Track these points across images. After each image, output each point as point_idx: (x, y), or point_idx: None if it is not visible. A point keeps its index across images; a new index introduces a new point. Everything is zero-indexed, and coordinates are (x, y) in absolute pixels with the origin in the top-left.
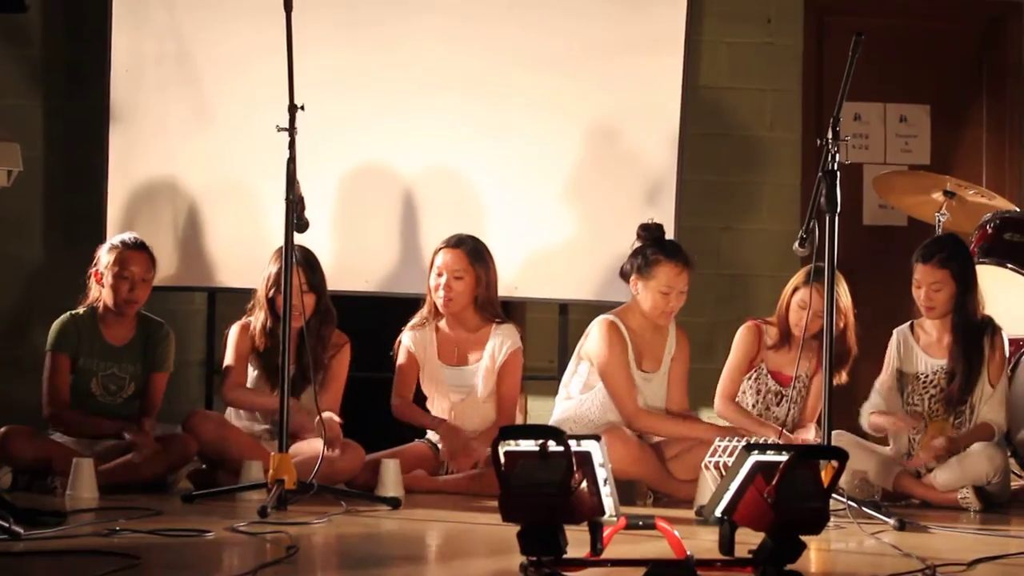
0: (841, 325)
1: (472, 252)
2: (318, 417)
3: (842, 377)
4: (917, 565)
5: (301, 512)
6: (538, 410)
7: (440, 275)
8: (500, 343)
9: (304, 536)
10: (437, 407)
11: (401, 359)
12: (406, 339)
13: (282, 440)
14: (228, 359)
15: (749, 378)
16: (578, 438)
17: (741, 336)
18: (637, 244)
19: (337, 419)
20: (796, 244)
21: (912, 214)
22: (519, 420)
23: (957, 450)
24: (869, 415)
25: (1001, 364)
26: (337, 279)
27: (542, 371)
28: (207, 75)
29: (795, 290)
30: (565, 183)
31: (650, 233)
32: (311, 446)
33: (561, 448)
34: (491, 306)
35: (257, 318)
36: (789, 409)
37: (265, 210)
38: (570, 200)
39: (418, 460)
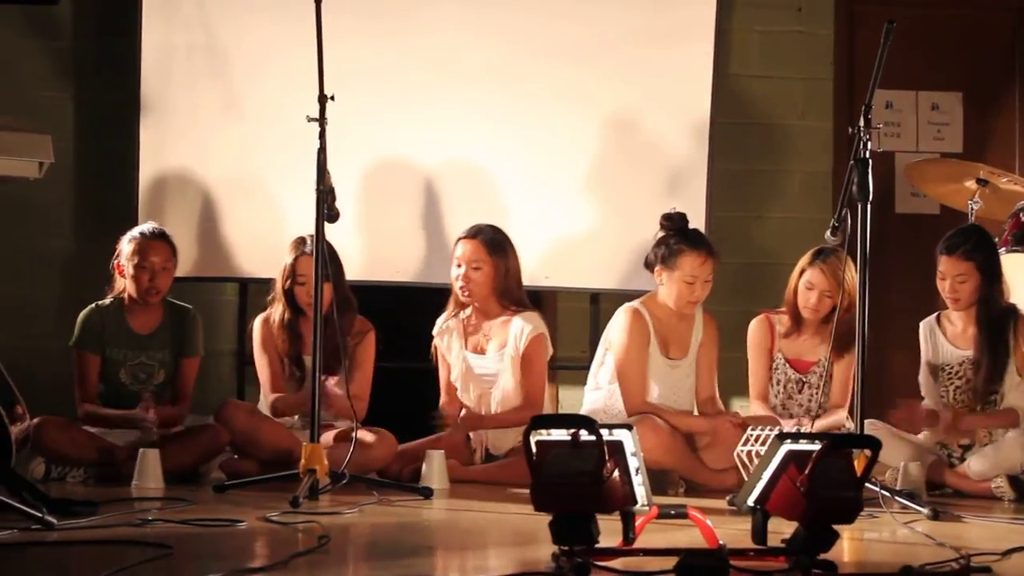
0: (846, 305)
1: (490, 242)
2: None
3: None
4: (951, 555)
5: (333, 502)
6: (570, 400)
7: (459, 266)
8: (521, 330)
9: (336, 526)
10: (467, 398)
11: (439, 360)
12: (436, 340)
13: (314, 430)
14: (257, 359)
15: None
16: (610, 427)
17: (753, 331)
18: (660, 234)
19: (339, 391)
20: (828, 232)
21: (945, 202)
22: (549, 410)
23: (983, 424)
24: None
25: None
26: (366, 270)
27: (574, 361)
28: (236, 67)
29: (802, 272)
30: (592, 173)
31: (673, 223)
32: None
33: (593, 437)
34: (512, 295)
35: (275, 311)
36: (815, 395)
37: (294, 201)
38: (597, 189)
39: (450, 450)
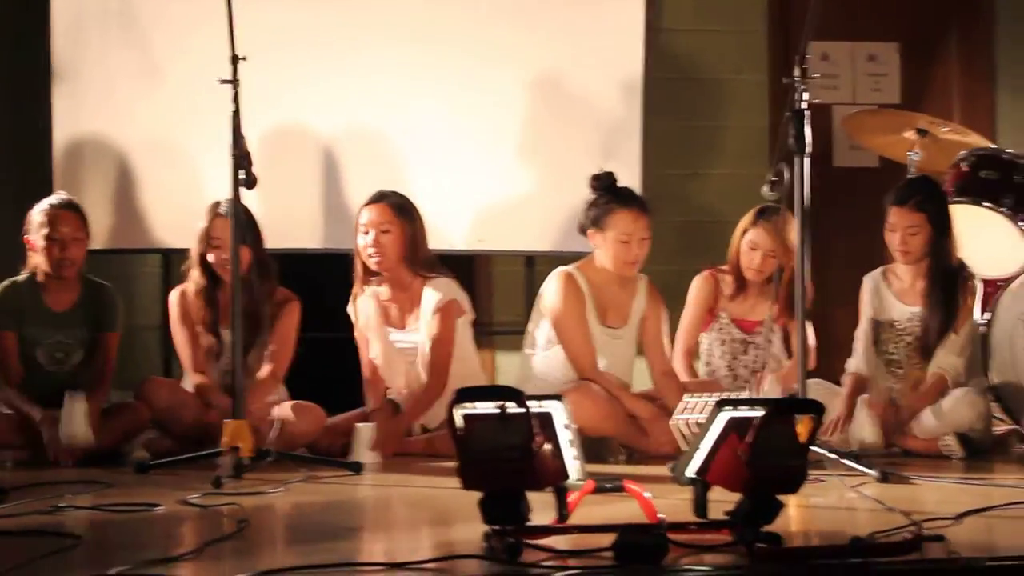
0: (792, 265)
1: (396, 206)
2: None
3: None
4: (901, 520)
5: (259, 481)
6: (506, 365)
7: (366, 233)
8: (432, 298)
9: (259, 507)
10: (391, 374)
11: (357, 336)
12: (352, 317)
13: (237, 405)
14: (175, 336)
15: (712, 329)
16: (539, 398)
17: (696, 287)
18: (591, 197)
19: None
20: (765, 188)
21: (884, 154)
22: (484, 379)
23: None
24: (849, 374)
25: (967, 312)
26: (280, 237)
27: (511, 325)
28: (151, 30)
29: (744, 232)
30: (523, 133)
31: (601, 183)
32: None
33: (521, 410)
34: (422, 261)
35: (191, 279)
36: (760, 355)
37: (216, 168)
38: (529, 151)
39: (382, 422)
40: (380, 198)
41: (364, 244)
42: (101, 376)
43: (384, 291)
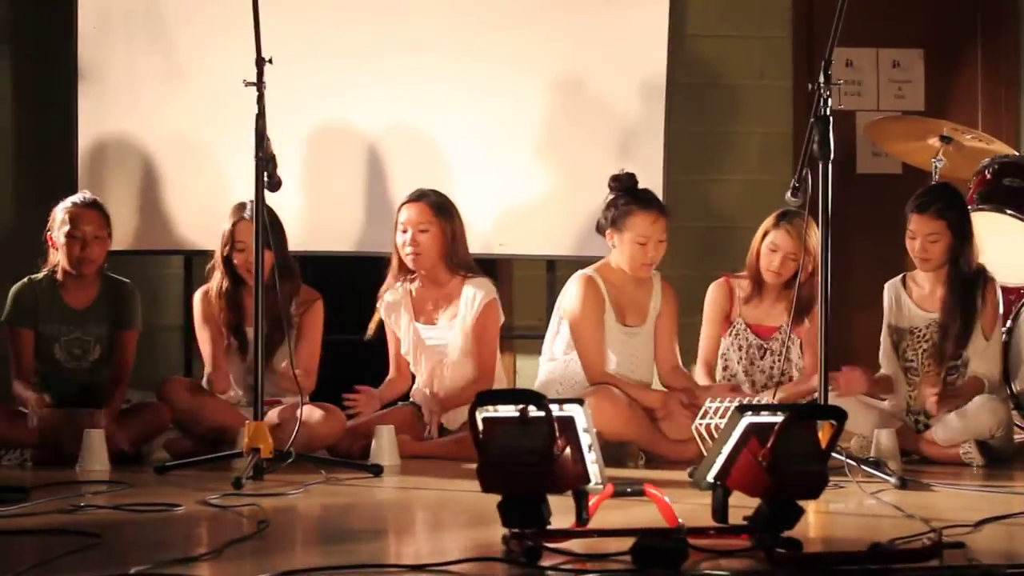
0: (810, 269)
1: (435, 205)
2: (291, 373)
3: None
4: (921, 527)
5: (279, 482)
6: (527, 370)
7: (405, 231)
8: (473, 296)
9: (279, 508)
10: (420, 370)
11: (387, 333)
12: (382, 313)
13: (257, 407)
14: (198, 335)
15: (728, 335)
16: (560, 402)
17: (711, 294)
18: (610, 197)
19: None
20: (788, 193)
21: (908, 160)
22: (505, 382)
23: (954, 404)
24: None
25: (994, 315)
26: (309, 239)
27: (531, 330)
28: (177, 32)
29: (765, 234)
30: (546, 138)
31: (621, 184)
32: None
33: (542, 413)
34: (461, 260)
35: (215, 280)
36: (777, 361)
37: (240, 170)
38: (552, 155)
39: (402, 425)
40: (420, 196)
41: (402, 242)
42: (119, 373)
43: (417, 286)
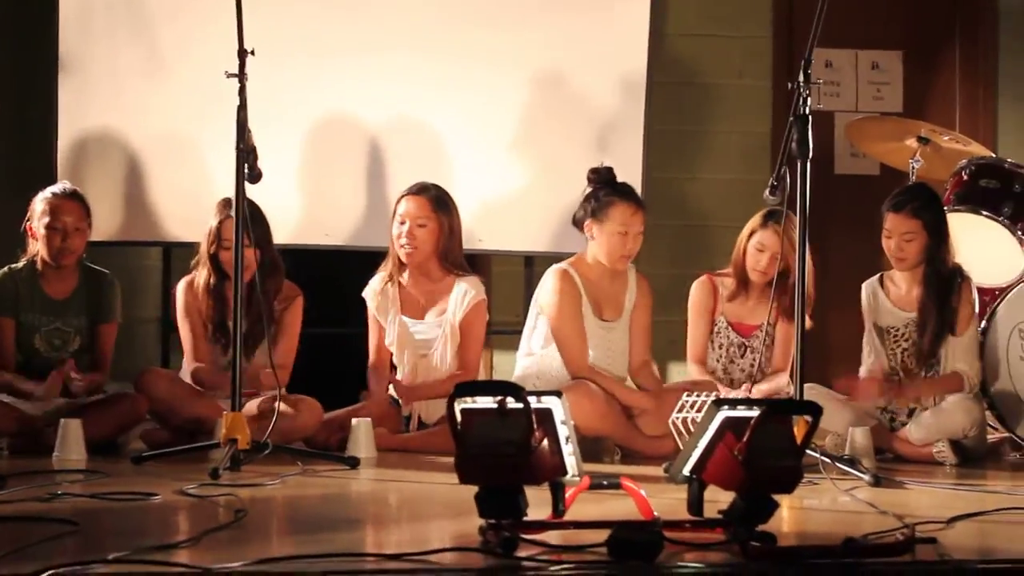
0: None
1: (435, 200)
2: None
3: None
4: (894, 523)
5: (256, 473)
6: (504, 365)
7: (403, 223)
8: (463, 294)
9: (257, 499)
10: (403, 363)
11: (369, 321)
12: (368, 300)
13: (235, 398)
14: (179, 325)
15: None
16: (538, 394)
17: (695, 292)
18: (588, 190)
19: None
20: (767, 192)
21: (885, 161)
22: (482, 377)
23: (931, 392)
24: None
25: (969, 313)
26: (297, 232)
27: (508, 325)
28: (159, 23)
29: (751, 234)
30: (525, 135)
31: (600, 176)
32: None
33: (520, 405)
34: (455, 257)
35: (200, 275)
36: (755, 360)
37: (221, 162)
38: (531, 152)
39: (379, 418)
40: (421, 190)
41: (398, 234)
42: (98, 364)
43: (409, 281)
